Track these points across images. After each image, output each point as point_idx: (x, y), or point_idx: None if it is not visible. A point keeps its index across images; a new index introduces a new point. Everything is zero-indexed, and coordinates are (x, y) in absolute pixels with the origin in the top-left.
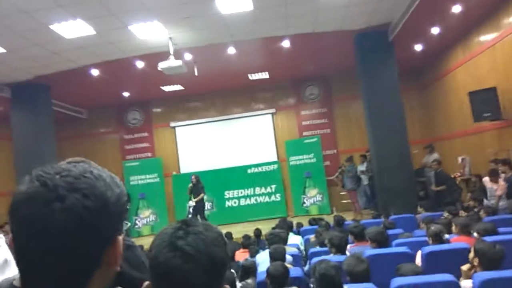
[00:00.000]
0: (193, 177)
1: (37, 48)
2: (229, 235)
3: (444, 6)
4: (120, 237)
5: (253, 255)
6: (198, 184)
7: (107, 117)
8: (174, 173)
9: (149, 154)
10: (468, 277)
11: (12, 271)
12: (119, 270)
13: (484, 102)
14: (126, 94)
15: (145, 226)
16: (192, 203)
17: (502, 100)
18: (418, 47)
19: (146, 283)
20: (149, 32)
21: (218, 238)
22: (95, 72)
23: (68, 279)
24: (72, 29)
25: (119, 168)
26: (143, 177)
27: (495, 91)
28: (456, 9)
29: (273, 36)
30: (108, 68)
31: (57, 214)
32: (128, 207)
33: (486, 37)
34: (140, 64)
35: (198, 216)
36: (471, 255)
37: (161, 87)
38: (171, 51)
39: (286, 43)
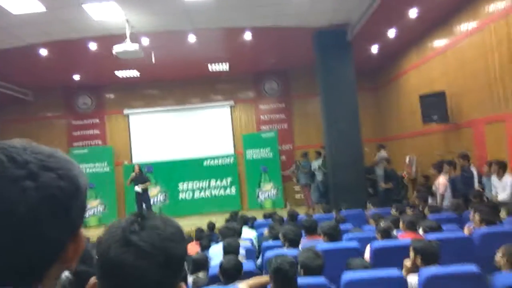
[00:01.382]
0: (136, 166)
1: None
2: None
3: (401, 10)
4: (81, 231)
5: (204, 248)
6: (141, 174)
7: (55, 101)
8: (126, 162)
9: (100, 142)
10: (409, 272)
11: None
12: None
13: (433, 105)
14: (77, 77)
15: (92, 217)
16: (138, 188)
17: (450, 104)
18: (375, 48)
19: (92, 281)
20: (105, 12)
21: (176, 233)
22: (43, 51)
23: (28, 268)
24: (20, 3)
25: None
26: (92, 165)
27: (444, 95)
28: (412, 13)
29: (235, 27)
30: (58, 48)
31: (28, 192)
32: None
33: (439, 43)
34: (93, 46)
35: (144, 206)
36: (411, 253)
37: (116, 72)
38: (128, 34)
39: (247, 35)
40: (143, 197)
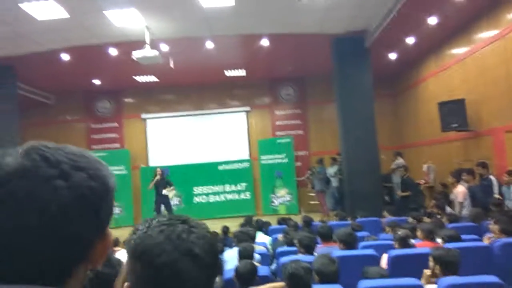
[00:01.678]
0: (159, 170)
1: (4, 28)
2: None
3: (420, 18)
4: (109, 232)
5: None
6: (163, 178)
7: (75, 105)
8: (142, 165)
9: (117, 145)
10: (428, 281)
11: None
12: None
13: (453, 112)
14: (96, 81)
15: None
16: (166, 192)
17: (470, 111)
18: (393, 55)
19: (126, 286)
20: (125, 19)
21: (213, 237)
22: (65, 56)
23: (58, 266)
24: (44, 10)
25: None
26: (109, 168)
27: (464, 103)
28: (432, 21)
29: (252, 34)
30: (80, 53)
31: (60, 191)
32: None
33: (458, 50)
34: (113, 52)
35: (164, 209)
36: (431, 263)
37: (134, 77)
38: (147, 41)
39: (265, 42)
40: (165, 200)
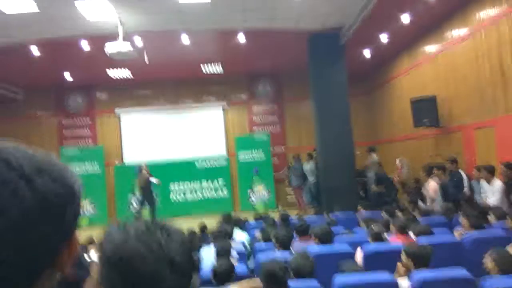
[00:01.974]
0: (145, 166)
1: None
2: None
3: (393, 15)
4: (76, 235)
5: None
6: (149, 174)
7: (45, 99)
8: (117, 163)
9: (90, 141)
10: (401, 274)
11: None
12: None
13: (424, 109)
14: (68, 76)
15: (82, 218)
16: (154, 180)
17: (441, 108)
18: (367, 53)
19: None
20: (97, 11)
21: (190, 241)
22: (35, 50)
23: (22, 273)
24: (14, 3)
25: (56, 155)
26: (82, 165)
27: (435, 100)
28: (405, 18)
29: (228, 29)
30: (50, 46)
31: (21, 192)
32: None
33: (430, 48)
34: (85, 45)
35: (149, 206)
36: (403, 257)
37: (108, 72)
38: (120, 34)
39: (241, 37)
40: (151, 197)
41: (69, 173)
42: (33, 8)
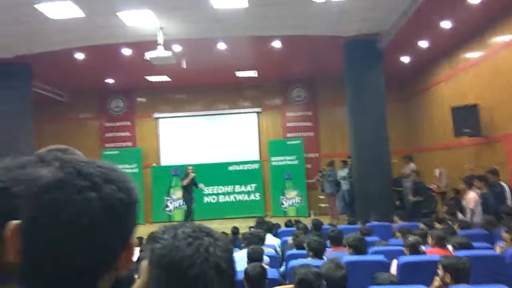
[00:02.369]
0: (191, 168)
1: (20, 26)
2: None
3: (434, 21)
4: (134, 241)
5: None
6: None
7: (89, 103)
8: (154, 164)
9: (130, 144)
10: None
11: None
12: None
13: (465, 118)
14: (110, 80)
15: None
16: (202, 186)
17: (483, 117)
18: (406, 59)
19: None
20: (140, 19)
21: (231, 247)
22: (80, 55)
23: (83, 276)
24: (59, 9)
25: (98, 156)
26: (121, 166)
27: (477, 108)
28: (446, 25)
29: (264, 35)
30: (94, 52)
31: (92, 202)
32: None
33: (472, 55)
34: (127, 52)
35: (187, 208)
36: (440, 271)
37: (147, 77)
38: (161, 41)
39: (277, 43)
40: (191, 201)
41: (131, 182)
42: (79, 14)
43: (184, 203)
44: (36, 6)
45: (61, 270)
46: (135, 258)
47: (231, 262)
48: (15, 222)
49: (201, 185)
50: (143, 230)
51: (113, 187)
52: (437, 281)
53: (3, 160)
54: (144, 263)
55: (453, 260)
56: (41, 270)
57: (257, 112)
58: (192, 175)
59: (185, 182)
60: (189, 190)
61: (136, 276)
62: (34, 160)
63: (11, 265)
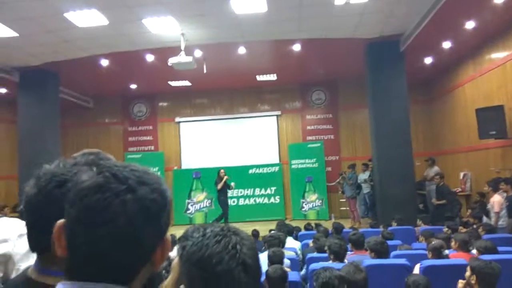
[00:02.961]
0: (223, 171)
1: (49, 35)
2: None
3: (457, 22)
4: (169, 237)
5: None
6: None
7: (113, 108)
8: (176, 167)
9: (152, 148)
10: None
11: (34, 260)
12: None
13: (491, 119)
14: (133, 86)
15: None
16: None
17: (509, 118)
18: (428, 60)
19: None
20: (162, 26)
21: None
22: (104, 62)
23: (126, 268)
24: (86, 18)
25: (121, 159)
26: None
27: (503, 109)
28: (469, 25)
29: (284, 39)
30: (118, 59)
31: (128, 204)
32: None
33: (497, 55)
34: (150, 58)
35: (222, 211)
36: (468, 273)
37: (169, 82)
38: (182, 47)
39: (296, 47)
40: (223, 199)
41: (163, 184)
42: (103, 21)
43: (220, 206)
44: (65, 15)
45: (101, 266)
46: (172, 253)
47: (256, 259)
48: (61, 221)
49: (232, 184)
50: None
51: (146, 189)
52: (461, 283)
53: (55, 162)
54: (175, 260)
55: (482, 263)
56: (83, 266)
57: (277, 115)
58: (225, 177)
59: (220, 186)
60: (224, 193)
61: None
62: (78, 163)
63: (60, 260)
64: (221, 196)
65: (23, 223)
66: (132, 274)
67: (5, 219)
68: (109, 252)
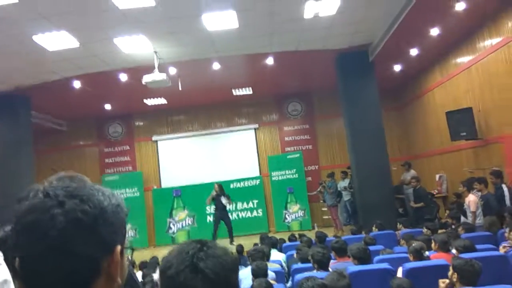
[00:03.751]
0: (216, 186)
1: (18, 59)
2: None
3: (422, 29)
4: (119, 247)
5: None
6: (222, 192)
7: (88, 130)
8: (155, 187)
9: (130, 168)
10: None
11: None
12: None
13: (461, 121)
14: (108, 106)
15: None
16: (224, 200)
17: (478, 120)
18: (397, 67)
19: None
20: (134, 45)
21: (234, 263)
22: (77, 84)
23: (71, 283)
24: (56, 40)
25: (98, 182)
26: (122, 191)
27: (471, 111)
28: (434, 32)
29: (257, 53)
30: (91, 80)
31: (56, 218)
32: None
33: (463, 59)
34: (123, 77)
35: (225, 223)
36: (450, 272)
37: (144, 101)
38: (156, 65)
39: (270, 60)
40: (225, 215)
41: (99, 194)
42: (74, 44)
43: (220, 221)
44: (34, 37)
45: (49, 280)
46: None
47: (221, 270)
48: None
49: (224, 200)
50: (147, 254)
51: (76, 201)
52: (442, 283)
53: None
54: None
55: (462, 261)
56: (33, 283)
57: (255, 128)
58: (213, 193)
59: (208, 201)
60: (218, 208)
61: None
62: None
63: None
64: (216, 211)
65: None
66: (85, 286)
67: None
68: (51, 267)
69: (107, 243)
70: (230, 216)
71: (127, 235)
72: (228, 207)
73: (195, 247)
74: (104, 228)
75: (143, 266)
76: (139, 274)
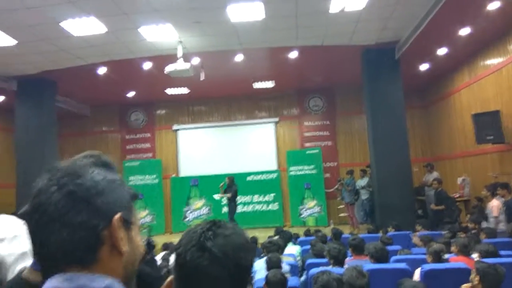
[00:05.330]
0: (227, 178)
1: (45, 44)
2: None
3: (452, 28)
4: (117, 215)
5: None
6: (232, 185)
7: (110, 116)
8: (173, 175)
9: (150, 155)
10: None
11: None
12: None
13: (487, 124)
14: (130, 94)
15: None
16: (217, 196)
17: (505, 123)
18: (424, 66)
19: (169, 278)
20: (160, 34)
21: (246, 244)
22: (102, 70)
23: (75, 254)
24: (82, 26)
25: (119, 168)
26: (142, 177)
27: (499, 114)
28: (464, 31)
29: (281, 46)
30: (115, 67)
31: (53, 195)
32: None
33: (493, 61)
34: (147, 65)
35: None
36: (473, 275)
37: (166, 90)
38: (179, 55)
39: (294, 54)
40: (229, 206)
41: (97, 170)
42: (101, 29)
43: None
44: (61, 24)
45: (54, 250)
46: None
47: (231, 251)
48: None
49: (215, 196)
50: (163, 240)
51: (70, 177)
52: (466, 286)
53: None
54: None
55: (486, 265)
56: (42, 253)
57: (275, 122)
58: (221, 184)
59: (218, 195)
60: (231, 198)
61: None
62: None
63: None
64: (229, 200)
65: (20, 222)
66: (88, 255)
67: (2, 217)
68: (55, 239)
69: (103, 211)
70: (246, 208)
71: (134, 213)
72: (221, 199)
73: (204, 227)
74: (98, 198)
75: (164, 247)
76: (159, 257)
